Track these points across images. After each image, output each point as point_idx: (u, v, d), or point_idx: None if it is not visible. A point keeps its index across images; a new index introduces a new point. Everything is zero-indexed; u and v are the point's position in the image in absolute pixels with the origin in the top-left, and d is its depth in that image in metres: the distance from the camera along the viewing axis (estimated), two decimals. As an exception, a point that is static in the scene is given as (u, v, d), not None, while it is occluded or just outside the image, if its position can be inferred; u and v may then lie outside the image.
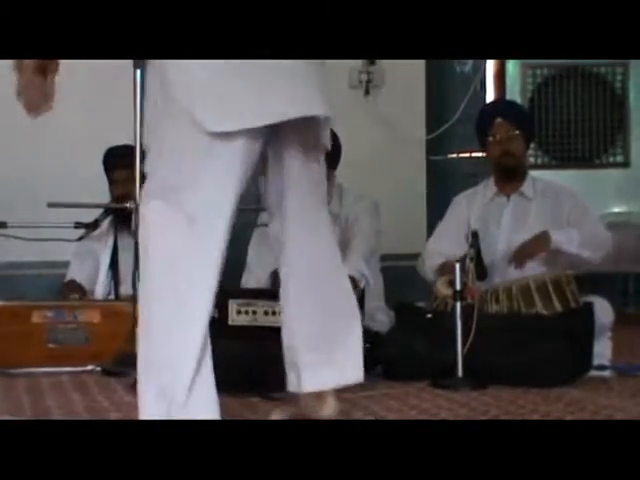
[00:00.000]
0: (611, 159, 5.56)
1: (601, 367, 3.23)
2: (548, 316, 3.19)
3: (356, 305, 2.27)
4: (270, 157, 2.17)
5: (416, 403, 2.79)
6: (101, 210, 3.97)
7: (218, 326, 2.55)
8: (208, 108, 1.94)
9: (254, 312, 3.17)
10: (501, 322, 3.19)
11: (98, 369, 3.41)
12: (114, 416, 2.62)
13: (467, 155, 5.42)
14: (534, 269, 3.45)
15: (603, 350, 3.29)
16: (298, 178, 2.16)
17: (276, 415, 2.29)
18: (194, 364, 1.92)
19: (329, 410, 2.21)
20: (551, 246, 3.42)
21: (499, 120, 3.65)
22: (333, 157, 3.23)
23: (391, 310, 3.69)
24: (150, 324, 1.96)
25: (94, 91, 4.86)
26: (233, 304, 3.18)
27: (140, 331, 1.98)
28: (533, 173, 3.86)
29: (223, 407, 1.97)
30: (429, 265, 3.65)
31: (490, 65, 5.55)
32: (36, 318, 3.53)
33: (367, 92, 5.40)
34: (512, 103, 4.52)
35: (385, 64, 5.33)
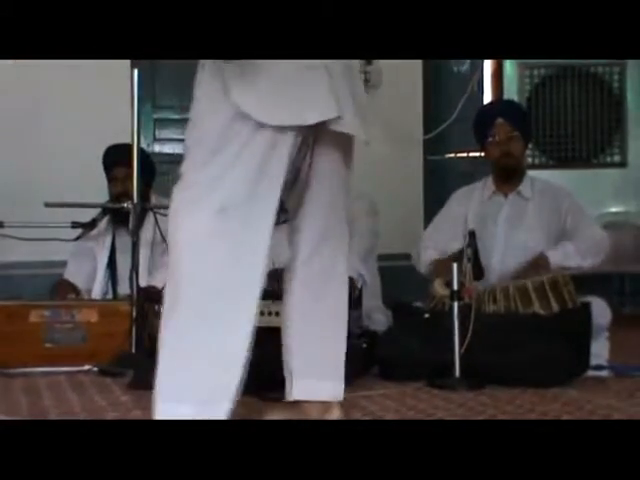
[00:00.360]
0: (608, 159, 5.55)
1: (598, 367, 3.23)
2: (545, 316, 3.19)
3: (346, 325, 2.27)
4: (300, 160, 2.15)
5: (413, 403, 2.79)
6: (98, 210, 3.97)
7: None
8: (261, 102, 1.95)
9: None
10: (498, 322, 3.18)
11: (95, 369, 3.41)
12: (111, 416, 2.62)
13: (464, 155, 5.43)
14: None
15: (600, 350, 3.29)
16: (321, 186, 2.18)
17: (273, 415, 2.29)
18: (242, 363, 1.95)
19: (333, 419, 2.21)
20: (550, 267, 3.42)
21: (500, 120, 3.64)
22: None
23: (388, 310, 3.69)
24: (188, 317, 1.92)
25: (94, 91, 4.86)
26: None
27: (163, 329, 1.93)
28: (531, 173, 3.86)
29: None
30: (423, 259, 3.66)
31: (487, 65, 5.55)
32: (33, 318, 3.52)
33: (364, 92, 5.39)
34: (512, 103, 4.50)
35: (382, 64, 5.32)
